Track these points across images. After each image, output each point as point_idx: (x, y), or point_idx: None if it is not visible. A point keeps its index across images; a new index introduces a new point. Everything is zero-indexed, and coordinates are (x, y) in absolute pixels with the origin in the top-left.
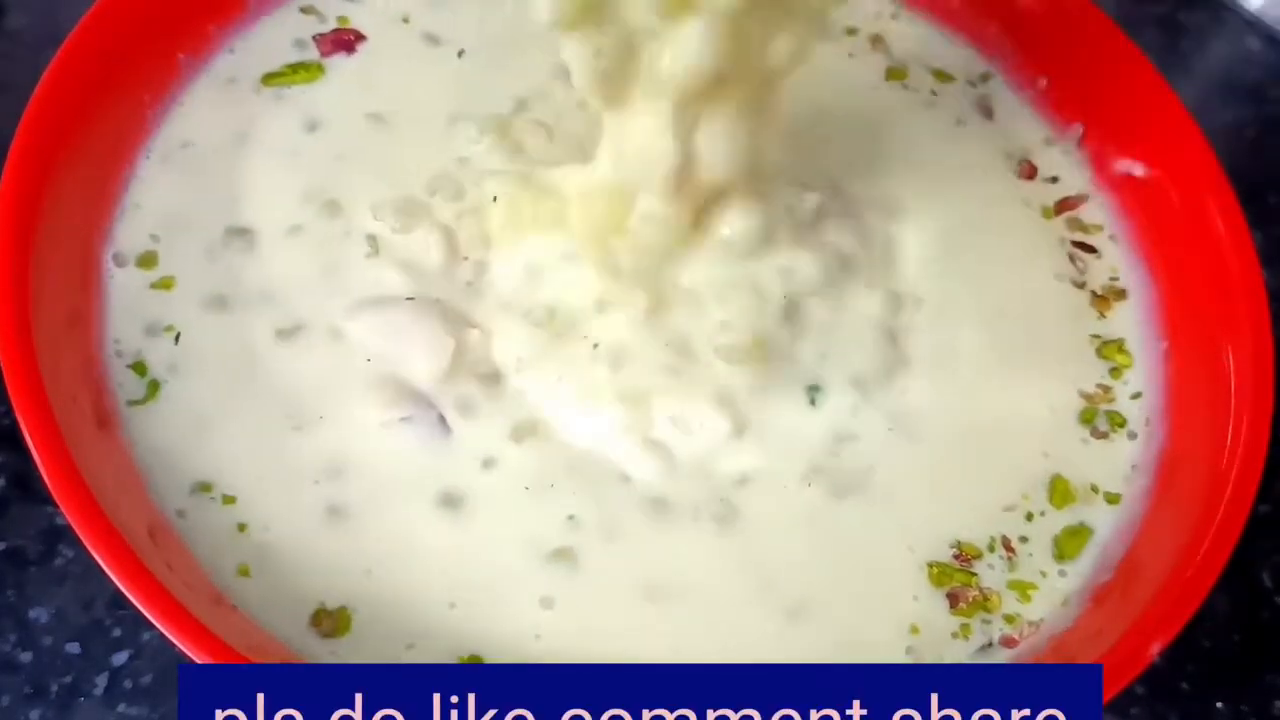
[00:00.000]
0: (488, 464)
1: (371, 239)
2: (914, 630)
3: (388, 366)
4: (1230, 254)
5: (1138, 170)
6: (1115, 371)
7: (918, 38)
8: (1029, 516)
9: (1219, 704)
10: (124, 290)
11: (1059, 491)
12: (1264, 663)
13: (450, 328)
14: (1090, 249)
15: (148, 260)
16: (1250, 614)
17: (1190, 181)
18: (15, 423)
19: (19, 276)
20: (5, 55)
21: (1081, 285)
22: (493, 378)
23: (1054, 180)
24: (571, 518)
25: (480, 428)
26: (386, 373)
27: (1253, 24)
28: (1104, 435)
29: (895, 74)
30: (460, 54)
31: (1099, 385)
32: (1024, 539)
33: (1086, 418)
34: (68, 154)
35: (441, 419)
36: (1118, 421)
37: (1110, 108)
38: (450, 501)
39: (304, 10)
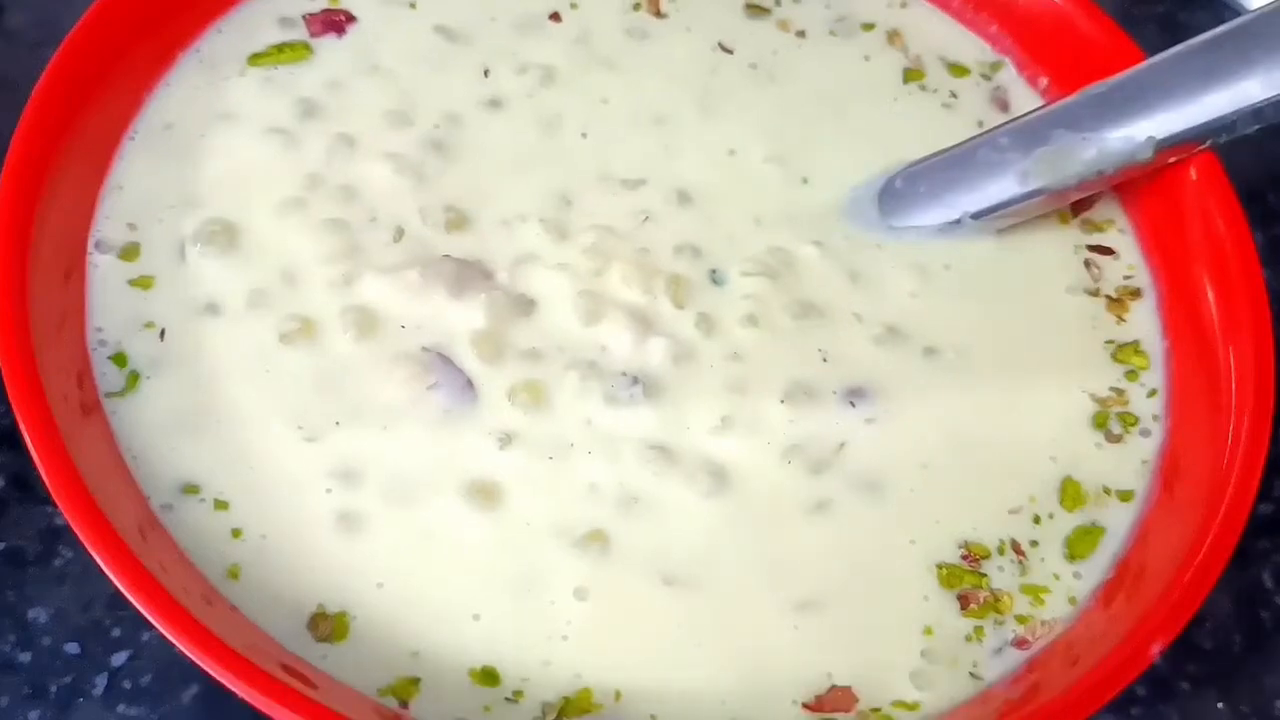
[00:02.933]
0: (510, 437)
1: (399, 230)
2: (928, 632)
3: (423, 332)
4: (1231, 254)
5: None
6: (1131, 374)
7: (930, 27)
8: (1036, 519)
9: (1219, 704)
10: (105, 280)
11: (1069, 494)
12: (1265, 663)
13: (484, 281)
14: (1107, 250)
15: (129, 253)
16: (1251, 614)
17: (1191, 181)
18: (14, 422)
19: (18, 279)
20: (3, 54)
21: (1096, 293)
22: (521, 310)
23: None
24: (593, 486)
25: (504, 381)
26: (419, 339)
27: None
28: (1118, 439)
29: (913, 75)
30: (486, 73)
31: (1113, 389)
32: (1034, 543)
33: (1099, 422)
34: (65, 153)
35: (469, 383)
36: (1130, 421)
37: None
38: (479, 491)
39: None
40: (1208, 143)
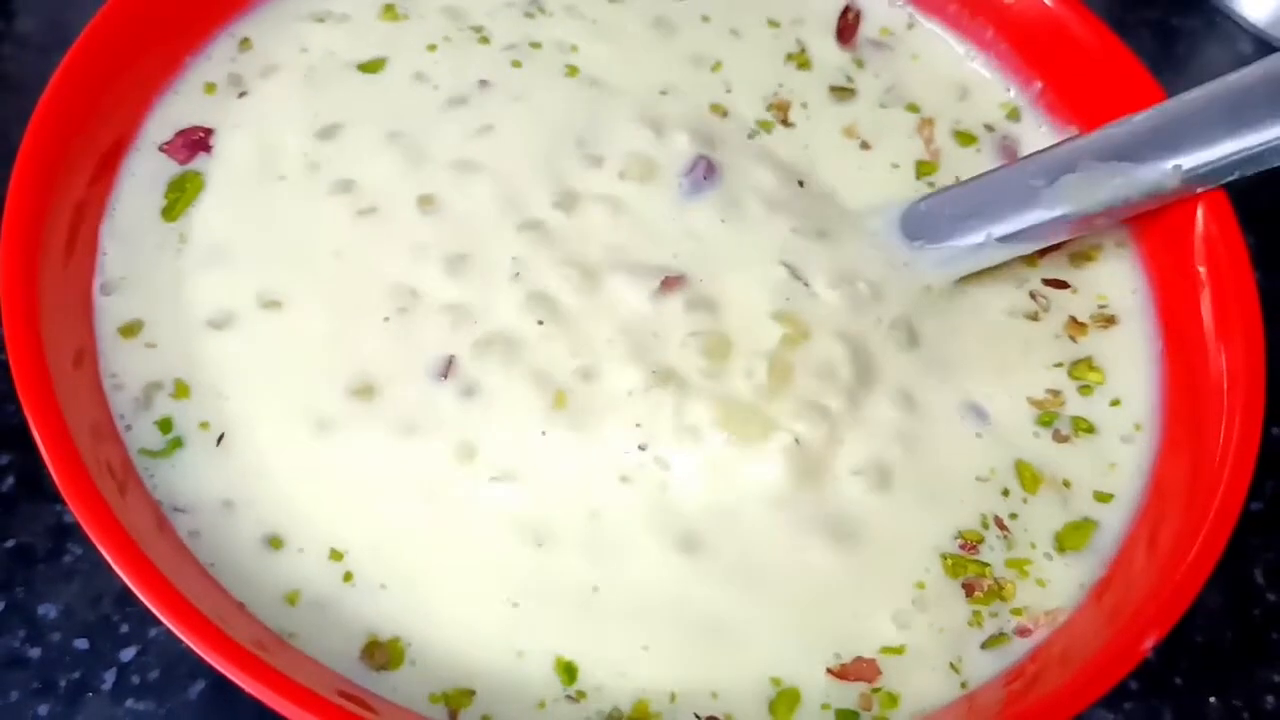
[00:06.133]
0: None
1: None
2: (936, 628)
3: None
4: (1223, 256)
5: None
6: (1085, 389)
7: (933, 48)
8: (1005, 492)
9: (1212, 699)
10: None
11: (1026, 476)
12: (1256, 658)
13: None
14: (1062, 284)
15: (131, 330)
16: (1243, 610)
17: None
18: (23, 421)
19: (27, 275)
20: (13, 58)
21: (1035, 316)
22: None
23: None
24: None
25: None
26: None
27: (1245, 29)
28: (1065, 439)
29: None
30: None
31: (1049, 390)
32: (1014, 515)
33: (1045, 421)
34: (74, 152)
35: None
36: (1083, 426)
37: (1105, 112)
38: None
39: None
40: (1235, 175)
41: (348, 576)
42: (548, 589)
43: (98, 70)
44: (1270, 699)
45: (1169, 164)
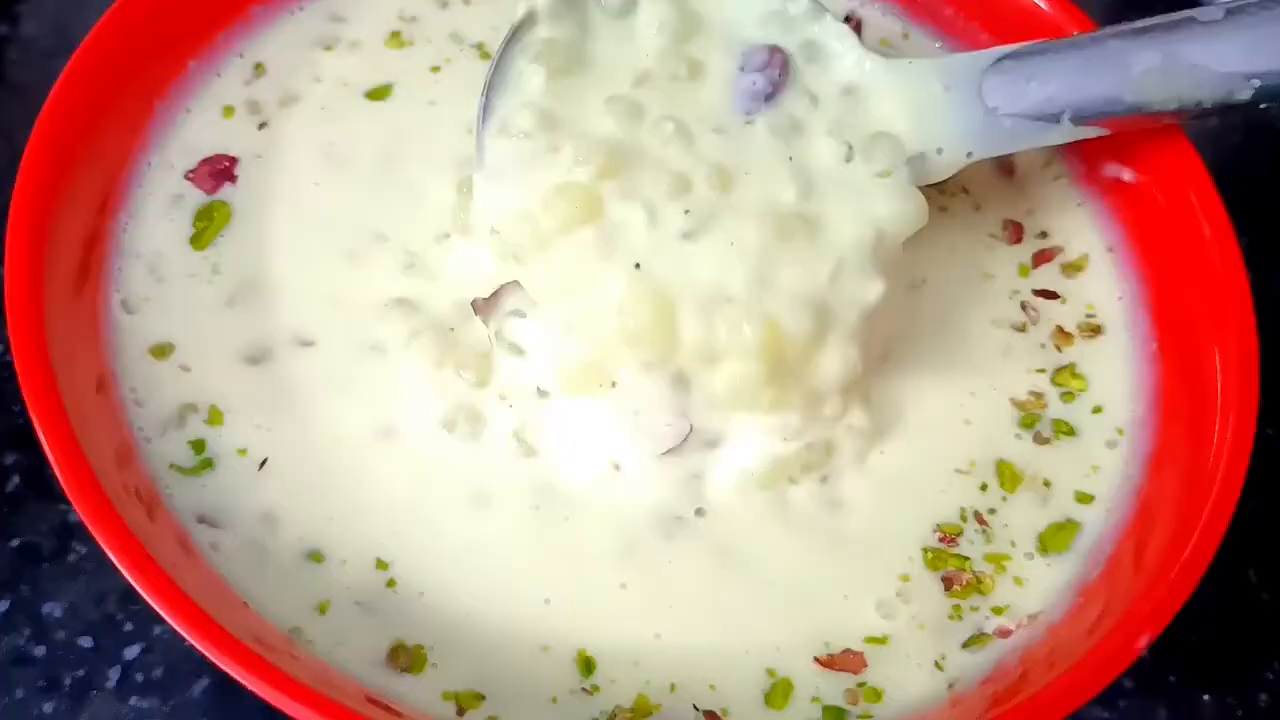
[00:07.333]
0: None
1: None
2: (918, 623)
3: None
4: (1216, 256)
5: (1125, 175)
6: (1068, 395)
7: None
8: (983, 487)
9: (1206, 697)
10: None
11: (1006, 475)
12: (1251, 657)
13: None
14: (1053, 295)
15: (163, 351)
16: (1237, 609)
17: (1177, 185)
18: (29, 422)
19: (33, 283)
20: (19, 61)
21: (1024, 327)
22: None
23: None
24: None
25: None
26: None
27: None
28: (1046, 440)
29: None
30: None
31: (1031, 393)
32: (992, 510)
33: (1027, 423)
34: (80, 156)
35: None
36: (1064, 429)
37: None
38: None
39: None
40: None
41: (390, 584)
42: (580, 587)
43: (103, 73)
44: (1264, 697)
45: (1244, 72)
